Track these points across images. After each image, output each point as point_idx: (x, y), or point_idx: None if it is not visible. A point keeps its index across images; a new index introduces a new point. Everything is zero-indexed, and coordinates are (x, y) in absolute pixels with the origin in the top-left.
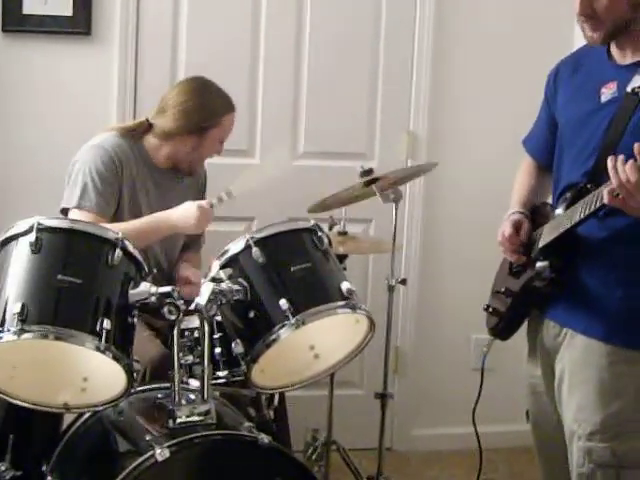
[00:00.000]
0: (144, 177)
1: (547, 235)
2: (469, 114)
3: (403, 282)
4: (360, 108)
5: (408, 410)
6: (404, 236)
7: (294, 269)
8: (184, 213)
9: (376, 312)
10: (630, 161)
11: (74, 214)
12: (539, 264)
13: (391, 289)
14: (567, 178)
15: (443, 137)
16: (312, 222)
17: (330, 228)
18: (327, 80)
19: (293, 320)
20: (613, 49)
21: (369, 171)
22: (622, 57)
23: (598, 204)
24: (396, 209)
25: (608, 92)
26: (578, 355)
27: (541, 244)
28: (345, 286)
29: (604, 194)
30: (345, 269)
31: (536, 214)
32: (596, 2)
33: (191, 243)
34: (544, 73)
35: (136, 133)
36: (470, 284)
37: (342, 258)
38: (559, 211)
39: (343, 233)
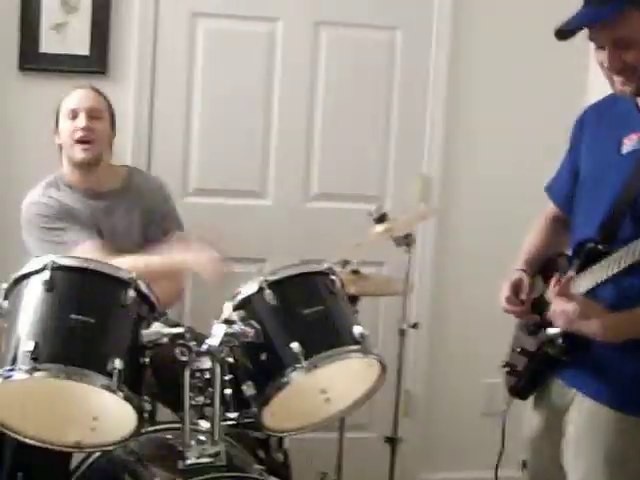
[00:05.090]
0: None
1: None
2: (483, 158)
3: (415, 326)
4: (374, 150)
5: (418, 454)
6: (416, 279)
7: (307, 312)
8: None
9: (387, 355)
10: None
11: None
12: (550, 331)
13: (403, 333)
14: (580, 233)
15: (456, 181)
16: (325, 265)
17: (343, 266)
18: (340, 121)
19: (305, 363)
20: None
21: (383, 216)
22: None
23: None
24: (409, 252)
25: (630, 144)
26: (585, 420)
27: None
28: (357, 330)
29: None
30: (357, 312)
31: (550, 267)
32: (626, 54)
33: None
34: (560, 120)
35: None
36: (481, 329)
37: (354, 300)
38: (571, 273)
39: (356, 272)
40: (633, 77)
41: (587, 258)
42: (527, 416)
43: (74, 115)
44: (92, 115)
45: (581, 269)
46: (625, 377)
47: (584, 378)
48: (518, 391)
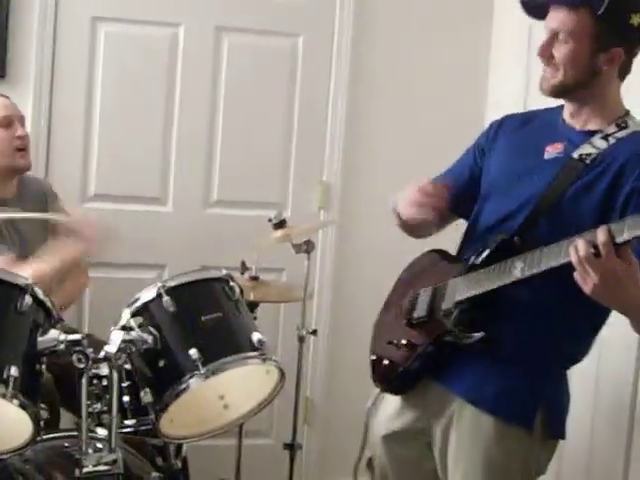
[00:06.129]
0: None
1: (469, 287)
2: (384, 166)
3: (314, 333)
4: (274, 157)
5: (317, 461)
6: (315, 286)
7: (205, 319)
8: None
9: (286, 362)
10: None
11: None
12: (453, 318)
13: (302, 339)
14: (490, 229)
15: (357, 189)
16: (224, 272)
17: (242, 273)
18: (241, 128)
19: (203, 370)
20: (567, 112)
21: (282, 222)
22: (576, 122)
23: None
24: (308, 259)
25: (553, 151)
26: (466, 425)
27: (460, 297)
28: (256, 337)
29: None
30: (255, 318)
31: (434, 266)
32: (556, 48)
33: None
34: (460, 125)
35: None
36: None
37: (253, 307)
38: (478, 261)
39: (255, 278)
40: (556, 73)
41: (502, 252)
42: (385, 414)
43: (8, 123)
44: (22, 123)
45: (490, 259)
46: (506, 384)
47: (464, 382)
48: (395, 386)
